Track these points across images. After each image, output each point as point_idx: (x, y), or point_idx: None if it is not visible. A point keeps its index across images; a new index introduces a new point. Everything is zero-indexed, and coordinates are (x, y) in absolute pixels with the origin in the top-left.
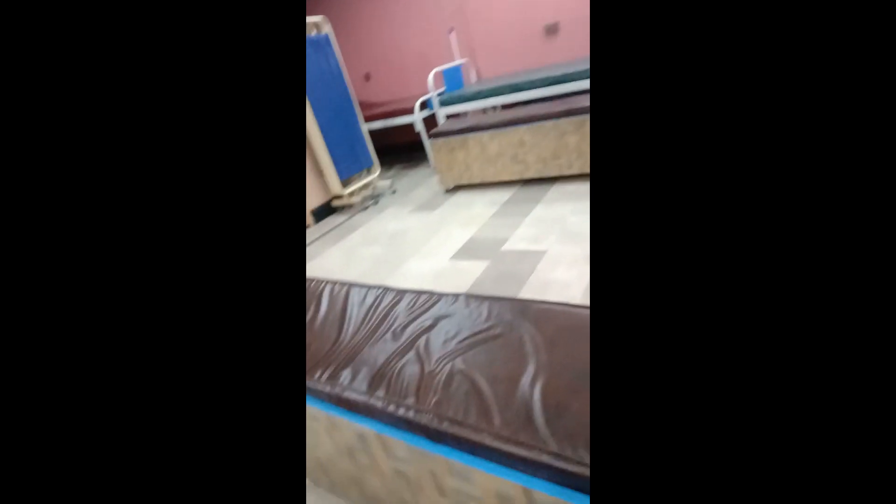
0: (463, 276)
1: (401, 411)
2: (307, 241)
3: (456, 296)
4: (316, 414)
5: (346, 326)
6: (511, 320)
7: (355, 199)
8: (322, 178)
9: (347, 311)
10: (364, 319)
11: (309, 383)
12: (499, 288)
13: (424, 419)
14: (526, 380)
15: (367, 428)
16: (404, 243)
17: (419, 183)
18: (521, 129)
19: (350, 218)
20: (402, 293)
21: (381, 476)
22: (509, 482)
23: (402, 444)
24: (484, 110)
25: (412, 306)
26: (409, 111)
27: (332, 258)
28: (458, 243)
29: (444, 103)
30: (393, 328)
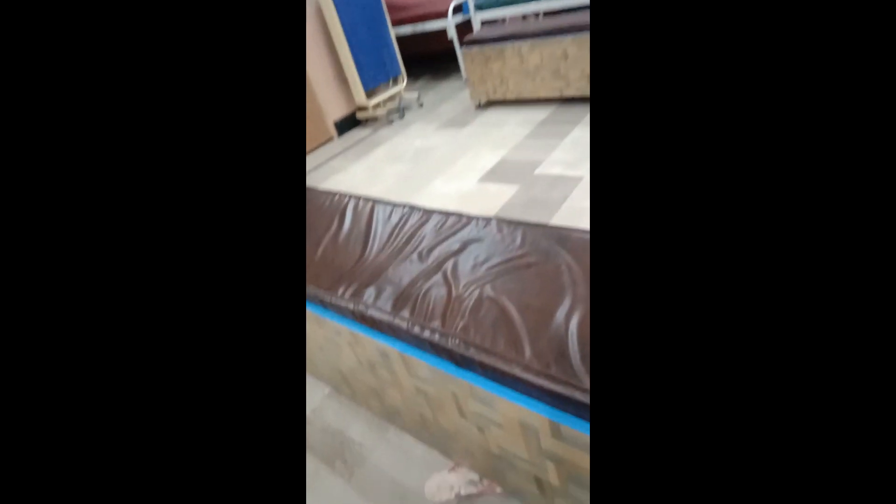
0: (491, 200)
1: (426, 334)
2: (330, 156)
3: (487, 219)
4: (339, 329)
5: (370, 244)
6: (547, 249)
7: (380, 112)
8: (346, 87)
9: (372, 228)
10: (389, 238)
11: (332, 299)
12: (528, 214)
13: (450, 343)
14: (561, 313)
15: (389, 347)
16: (430, 162)
17: (448, 97)
18: (566, 40)
19: (374, 132)
20: (429, 213)
21: (402, 391)
22: (535, 413)
23: (425, 366)
24: (524, 17)
25: (440, 228)
26: (442, 15)
27: (354, 174)
28: (488, 165)
29: (480, 7)
30: (419, 249)
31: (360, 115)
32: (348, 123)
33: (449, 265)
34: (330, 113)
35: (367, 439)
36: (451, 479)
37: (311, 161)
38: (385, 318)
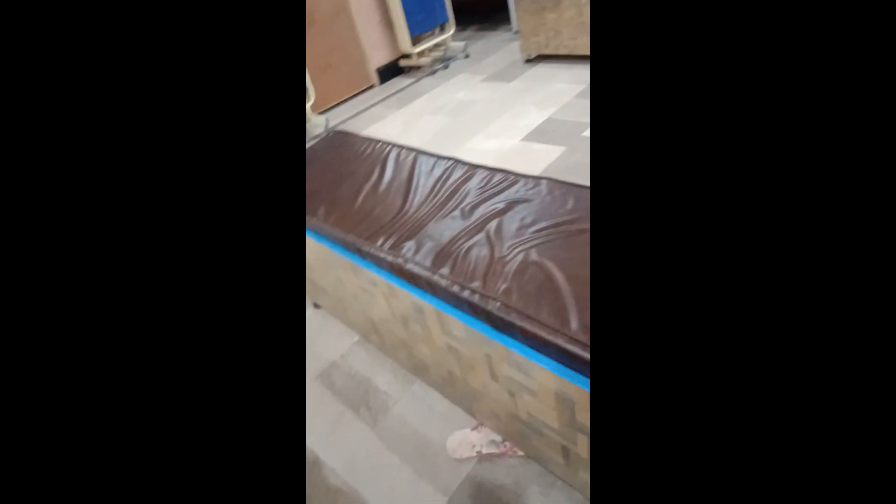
0: (534, 161)
1: (465, 293)
2: (370, 103)
3: (537, 179)
4: (375, 279)
5: (411, 196)
6: None
7: (424, 61)
8: (391, 32)
9: (414, 180)
10: (431, 192)
11: (370, 249)
12: (572, 178)
13: (490, 306)
14: None
15: (425, 302)
16: (472, 116)
17: (496, 48)
18: None
19: (417, 81)
20: (474, 169)
21: (432, 347)
22: (574, 385)
23: (461, 325)
24: None
25: (484, 185)
26: None
27: (393, 124)
28: (533, 123)
29: None
30: (462, 206)
31: (403, 63)
32: (391, 71)
33: (493, 225)
34: (373, 59)
35: (393, 389)
36: (474, 437)
37: (350, 108)
38: (424, 273)
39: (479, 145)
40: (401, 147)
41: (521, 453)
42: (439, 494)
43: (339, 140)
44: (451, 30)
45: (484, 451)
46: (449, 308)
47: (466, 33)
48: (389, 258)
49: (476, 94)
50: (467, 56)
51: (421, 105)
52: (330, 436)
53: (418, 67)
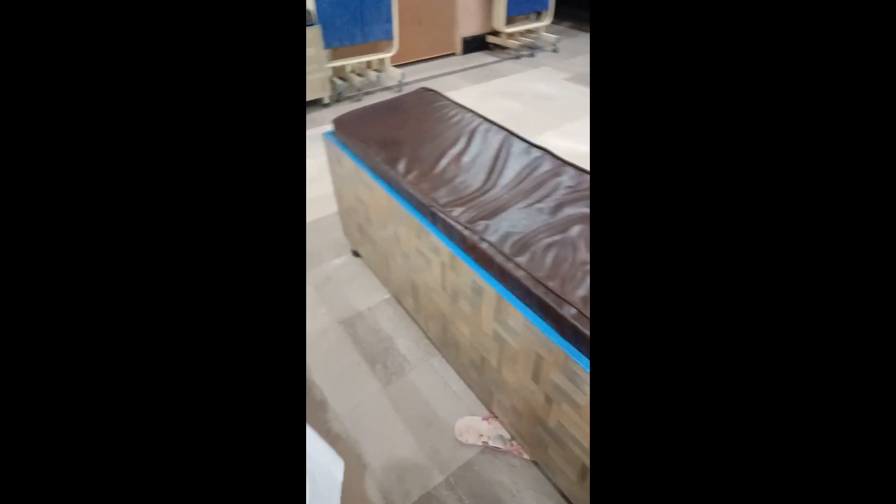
0: None
1: (539, 290)
2: (448, 70)
3: None
4: (439, 247)
5: (495, 176)
6: None
7: (512, 43)
8: (488, 6)
9: (500, 160)
10: (517, 177)
11: (446, 217)
12: None
13: (564, 310)
14: None
15: (488, 285)
16: (547, 110)
17: (587, 51)
18: None
19: (499, 62)
20: (564, 165)
21: (475, 329)
22: None
23: (521, 318)
24: None
25: (576, 185)
26: None
27: (466, 96)
28: None
29: None
30: (548, 200)
31: (490, 40)
32: (476, 44)
33: (577, 229)
34: (462, 27)
35: (412, 356)
36: (483, 427)
37: (426, 68)
38: (498, 257)
39: (550, 141)
40: (491, 122)
41: (526, 456)
42: (436, 470)
43: (429, 98)
44: (548, 20)
45: (490, 443)
46: (513, 299)
47: (561, 27)
48: (465, 232)
49: (556, 89)
50: (556, 50)
51: (498, 85)
52: (341, 381)
53: (504, 48)
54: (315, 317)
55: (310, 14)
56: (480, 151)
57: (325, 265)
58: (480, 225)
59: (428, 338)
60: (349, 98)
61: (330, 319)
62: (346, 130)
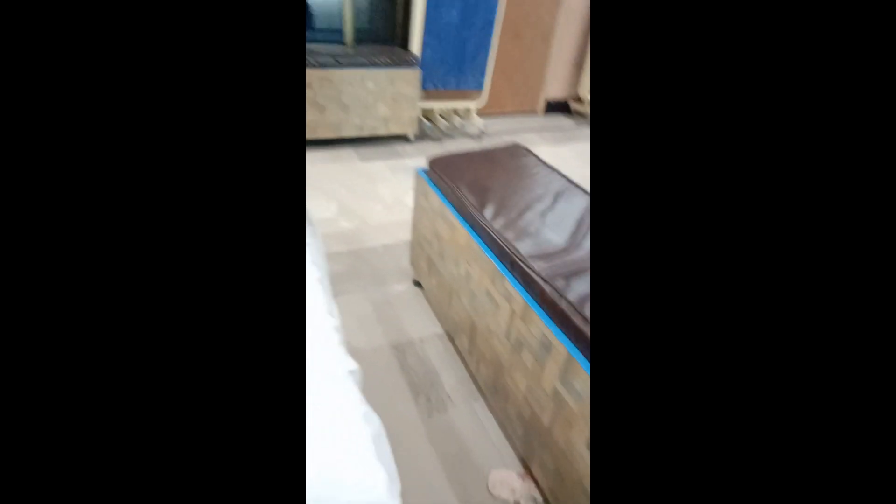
0: None
1: None
2: (527, 127)
3: None
4: (512, 294)
5: (579, 237)
6: None
7: None
8: (578, 72)
9: (584, 222)
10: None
11: (525, 267)
12: None
13: None
14: None
15: (560, 343)
16: None
17: None
18: None
19: (578, 127)
20: None
21: (534, 383)
22: None
23: (587, 380)
24: None
25: None
26: None
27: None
28: None
29: None
30: None
31: (574, 106)
32: (558, 107)
33: None
34: (549, 89)
35: (455, 395)
36: (516, 484)
37: (508, 123)
38: (576, 318)
39: None
40: (578, 186)
41: None
42: None
43: (520, 153)
44: None
45: (522, 502)
46: (584, 361)
47: None
48: (545, 286)
49: None
50: None
51: (574, 149)
52: (383, 402)
53: (584, 116)
54: (371, 335)
55: (415, 57)
56: (566, 211)
57: (387, 288)
58: (560, 282)
59: (475, 380)
60: (431, 139)
61: (384, 341)
62: (440, 170)
